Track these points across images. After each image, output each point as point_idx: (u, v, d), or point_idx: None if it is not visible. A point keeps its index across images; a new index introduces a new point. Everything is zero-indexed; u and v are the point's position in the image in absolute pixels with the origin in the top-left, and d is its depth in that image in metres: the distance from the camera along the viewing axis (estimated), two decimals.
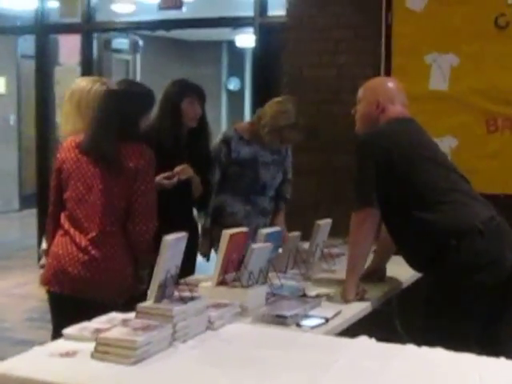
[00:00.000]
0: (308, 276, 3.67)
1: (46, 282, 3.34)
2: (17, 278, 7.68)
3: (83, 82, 3.75)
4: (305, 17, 4.93)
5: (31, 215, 8.87)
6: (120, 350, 2.41)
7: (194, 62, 14.92)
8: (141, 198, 3.26)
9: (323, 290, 3.39)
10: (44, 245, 3.74)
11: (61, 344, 2.61)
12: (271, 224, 4.38)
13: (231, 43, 15.52)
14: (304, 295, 3.32)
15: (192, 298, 2.73)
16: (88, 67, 7.60)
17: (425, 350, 2.59)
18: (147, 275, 3.44)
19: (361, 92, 3.53)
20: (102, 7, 7.74)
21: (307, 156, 4.75)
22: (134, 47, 9.23)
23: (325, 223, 3.88)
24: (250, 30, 7.56)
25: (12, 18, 9.34)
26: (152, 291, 2.68)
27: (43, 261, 3.75)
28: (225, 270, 3.10)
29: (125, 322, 2.65)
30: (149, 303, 2.68)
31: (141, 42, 9.37)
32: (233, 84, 17.14)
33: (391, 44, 4.68)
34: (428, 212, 3.23)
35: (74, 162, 3.31)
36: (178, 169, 3.94)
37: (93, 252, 3.22)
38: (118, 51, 8.59)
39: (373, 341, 2.66)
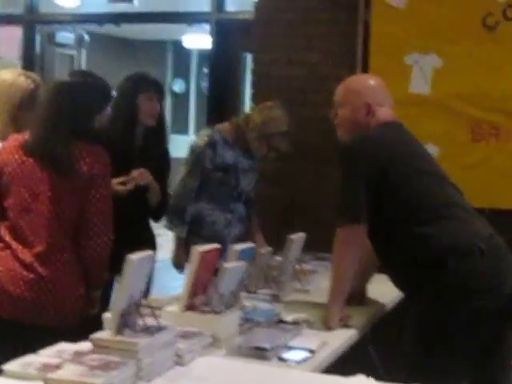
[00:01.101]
0: (279, 297, 3.30)
1: None
2: None
3: (6, 75, 3.32)
4: (273, 10, 4.55)
5: None
6: None
7: (138, 62, 14.47)
8: (95, 208, 2.82)
9: (301, 315, 3.02)
10: None
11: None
12: (249, 232, 4.12)
13: (177, 43, 15.19)
14: (280, 321, 2.95)
15: (159, 328, 2.32)
16: (30, 61, 7.10)
17: None
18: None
19: (341, 94, 3.14)
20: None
21: (273, 162, 4.35)
22: (80, 42, 8.73)
23: (298, 237, 3.51)
24: (202, 28, 7.20)
25: None
26: (112, 320, 2.26)
27: None
28: (194, 292, 2.71)
29: (78, 357, 2.23)
30: (107, 334, 2.26)
31: (86, 37, 8.87)
32: (178, 86, 16.75)
33: (369, 43, 4.34)
34: (425, 227, 2.89)
35: (18, 164, 2.86)
36: (135, 173, 3.53)
37: (39, 269, 2.77)
38: (63, 46, 8.10)
39: (371, 380, 2.30)
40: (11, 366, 2.23)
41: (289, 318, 2.98)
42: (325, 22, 4.44)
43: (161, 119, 3.74)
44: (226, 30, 6.35)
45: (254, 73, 4.67)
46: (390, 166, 2.92)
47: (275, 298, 3.26)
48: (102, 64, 10.70)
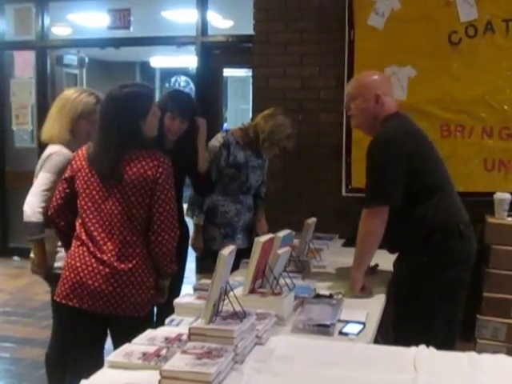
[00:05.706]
0: (304, 274, 3.03)
1: (62, 296, 2.49)
2: None
3: (71, 91, 3.02)
4: (271, 33, 4.23)
5: None
6: None
7: (113, 80, 13.90)
8: (161, 208, 2.46)
9: (334, 289, 2.76)
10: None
11: (110, 375, 1.84)
12: (256, 220, 3.82)
13: (143, 63, 14.77)
14: (318, 295, 2.68)
15: (243, 313, 2.03)
16: (42, 80, 6.62)
17: (487, 356, 2.00)
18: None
19: (353, 88, 2.87)
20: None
21: (276, 160, 4.05)
22: (81, 63, 8.25)
23: (312, 221, 3.25)
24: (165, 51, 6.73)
25: None
26: (206, 310, 1.96)
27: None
28: (255, 277, 2.41)
29: (177, 345, 1.94)
30: (201, 324, 1.96)
31: (86, 59, 8.40)
32: None
33: (354, 58, 4.07)
34: (419, 207, 2.70)
35: (89, 170, 2.50)
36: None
37: (115, 264, 2.41)
38: (68, 66, 7.61)
39: (431, 349, 2.05)
40: (114, 357, 1.90)
41: (324, 291, 2.72)
42: (316, 41, 4.15)
43: (190, 137, 3.31)
44: (209, 49, 6.06)
45: (254, 86, 4.34)
46: (413, 154, 2.67)
47: (301, 275, 3.00)
48: (95, 81, 10.22)
